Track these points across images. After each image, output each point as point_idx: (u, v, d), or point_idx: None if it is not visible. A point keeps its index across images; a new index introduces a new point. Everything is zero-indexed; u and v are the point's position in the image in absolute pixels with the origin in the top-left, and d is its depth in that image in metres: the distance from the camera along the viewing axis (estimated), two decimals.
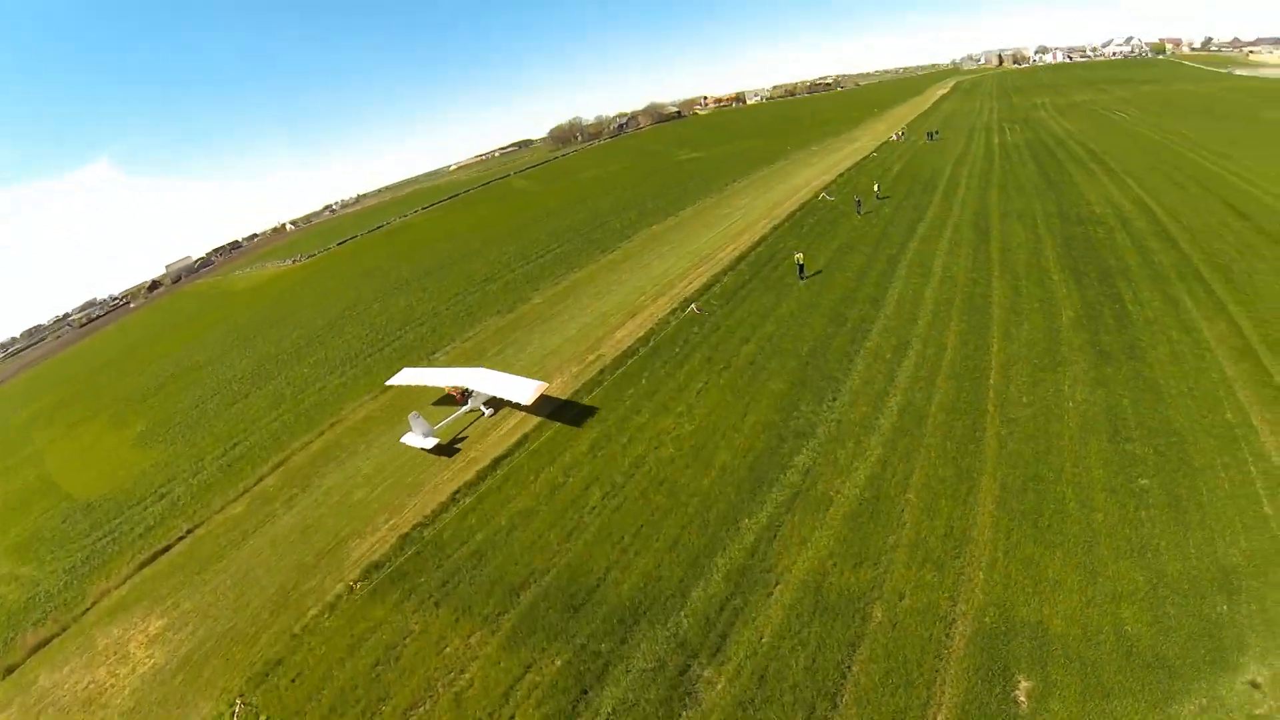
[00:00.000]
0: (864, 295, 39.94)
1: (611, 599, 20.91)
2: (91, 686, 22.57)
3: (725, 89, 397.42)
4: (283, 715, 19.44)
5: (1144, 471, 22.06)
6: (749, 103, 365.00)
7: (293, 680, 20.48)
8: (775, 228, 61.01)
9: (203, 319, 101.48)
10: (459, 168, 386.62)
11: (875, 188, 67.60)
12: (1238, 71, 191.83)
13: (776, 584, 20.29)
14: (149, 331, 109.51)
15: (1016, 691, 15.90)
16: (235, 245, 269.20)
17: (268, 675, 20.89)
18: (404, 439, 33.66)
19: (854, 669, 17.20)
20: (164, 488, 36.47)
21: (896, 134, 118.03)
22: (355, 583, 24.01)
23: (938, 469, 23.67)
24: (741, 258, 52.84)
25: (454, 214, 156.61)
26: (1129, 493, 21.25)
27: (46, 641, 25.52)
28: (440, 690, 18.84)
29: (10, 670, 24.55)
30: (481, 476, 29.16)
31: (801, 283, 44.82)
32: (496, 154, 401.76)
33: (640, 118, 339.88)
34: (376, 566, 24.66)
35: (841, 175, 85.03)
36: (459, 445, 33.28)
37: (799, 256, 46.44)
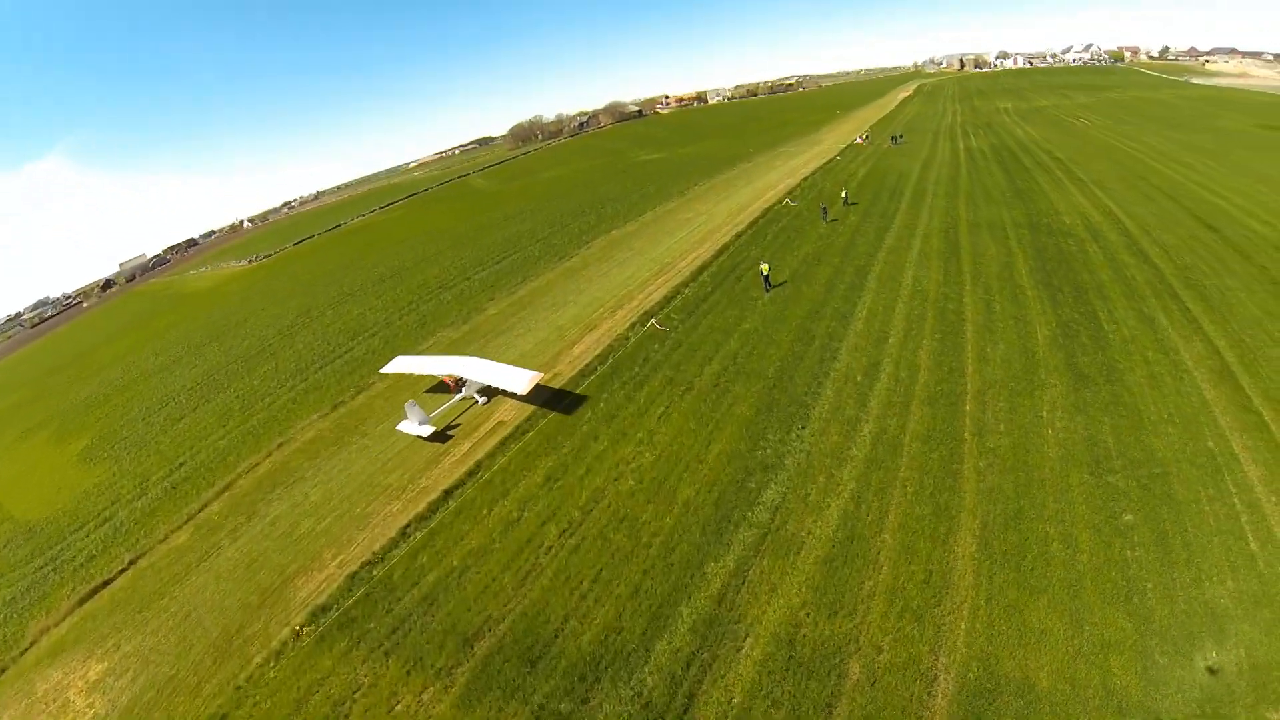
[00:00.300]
0: (832, 310, 39.06)
1: (571, 652, 19.53)
2: None
3: (687, 88, 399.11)
4: None
5: (1128, 506, 21.46)
6: (711, 102, 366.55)
7: None
8: (738, 235, 60.06)
9: (155, 322, 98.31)
10: (419, 165, 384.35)
11: (844, 194, 67.22)
12: (1194, 80, 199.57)
13: (746, 636, 19.07)
14: (100, 335, 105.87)
15: None
16: (191, 243, 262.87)
17: None
18: (400, 426, 34.47)
19: None
20: (107, 511, 34.81)
21: (861, 137, 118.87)
22: (301, 627, 22.60)
23: (914, 506, 22.69)
24: (704, 267, 51.71)
25: (412, 214, 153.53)
26: (1113, 530, 20.60)
27: None
28: None
29: None
30: (433, 509, 27.52)
31: (767, 295, 43.93)
32: (457, 151, 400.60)
33: (601, 116, 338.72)
34: (324, 609, 23.12)
35: (806, 179, 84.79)
36: (451, 432, 34.04)
37: (765, 267, 45.52)
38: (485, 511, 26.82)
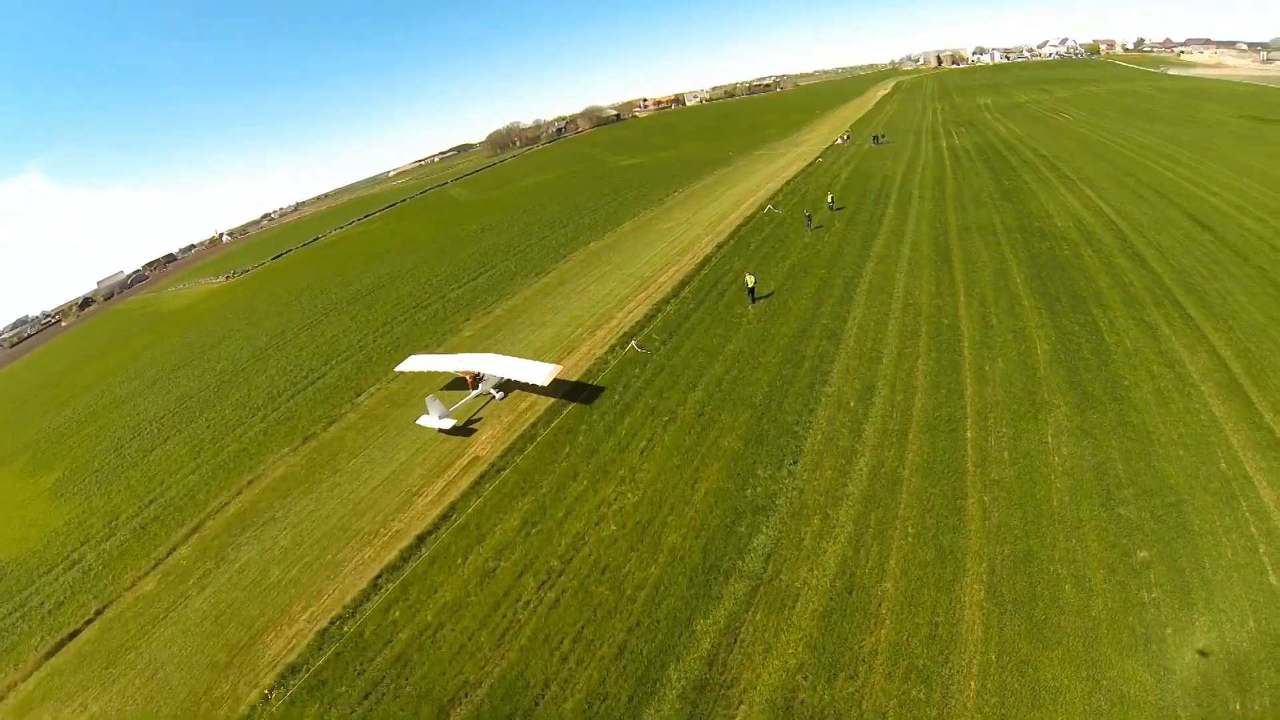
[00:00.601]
0: (821, 327, 37.51)
1: None
2: None
3: (664, 90, 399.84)
4: None
5: (1142, 541, 20.15)
6: (688, 104, 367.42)
7: None
8: (720, 246, 58.58)
9: (131, 344, 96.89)
10: (399, 174, 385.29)
11: (829, 198, 65.79)
12: (1170, 71, 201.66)
13: (740, 703, 17.54)
14: (77, 356, 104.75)
15: None
16: (170, 258, 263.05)
17: None
18: (420, 420, 36.19)
19: None
20: (76, 553, 33.55)
21: (841, 138, 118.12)
22: (270, 690, 21.32)
23: (917, 549, 21.21)
24: (685, 282, 50.16)
25: (389, 226, 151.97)
26: (1128, 569, 19.28)
27: None
28: None
29: None
30: (405, 557, 25.92)
31: (752, 307, 42.62)
32: (436, 159, 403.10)
33: (579, 121, 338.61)
34: (293, 670, 21.71)
35: (788, 183, 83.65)
36: (474, 426, 35.37)
37: (750, 279, 44.11)
38: (460, 560, 25.18)
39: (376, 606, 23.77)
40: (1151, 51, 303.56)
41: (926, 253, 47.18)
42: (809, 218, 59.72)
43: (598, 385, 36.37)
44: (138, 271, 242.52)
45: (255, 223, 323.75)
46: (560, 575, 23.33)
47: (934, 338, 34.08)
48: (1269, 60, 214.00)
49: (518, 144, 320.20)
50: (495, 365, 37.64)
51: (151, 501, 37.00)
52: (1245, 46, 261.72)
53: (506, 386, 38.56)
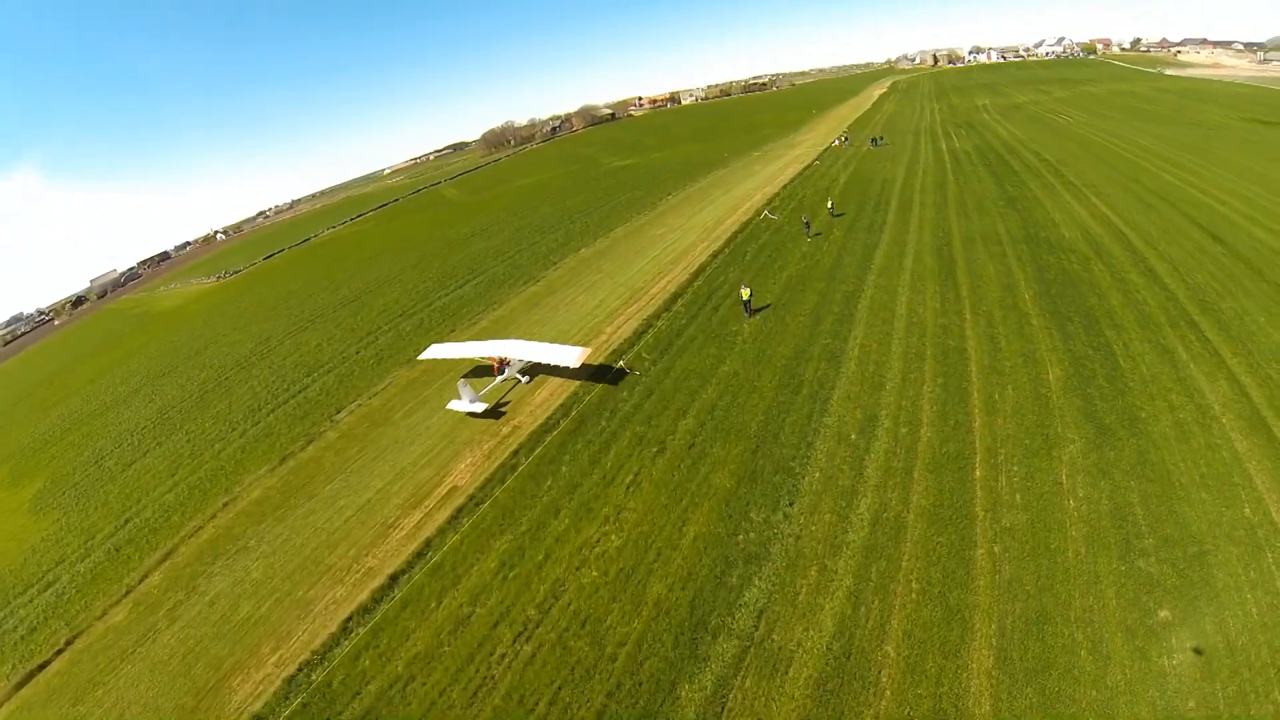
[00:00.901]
0: (820, 348, 35.47)
1: None
2: None
3: (660, 89, 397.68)
4: None
5: (1163, 598, 18.38)
6: (684, 103, 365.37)
7: None
8: (714, 255, 56.58)
9: (120, 346, 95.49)
10: (394, 172, 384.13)
11: (829, 204, 63.84)
12: (1168, 71, 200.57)
13: None
14: (66, 358, 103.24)
15: None
16: (164, 256, 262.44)
17: None
18: (450, 405, 37.33)
19: None
20: (51, 574, 32.42)
21: (839, 139, 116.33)
22: None
23: (921, 608, 19.34)
24: (678, 294, 48.17)
25: (381, 227, 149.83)
26: (1148, 632, 17.52)
27: None
28: None
29: None
30: (377, 598, 24.12)
31: (748, 321, 40.89)
32: (431, 158, 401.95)
33: (574, 120, 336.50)
34: None
35: (784, 188, 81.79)
36: (503, 409, 36.52)
37: (745, 291, 42.26)
38: (434, 604, 23.35)
39: (346, 653, 22.08)
40: (1148, 51, 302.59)
41: (930, 265, 45.28)
42: (807, 225, 57.82)
43: (584, 410, 34.40)
44: (131, 269, 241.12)
45: (250, 220, 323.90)
46: (538, 626, 21.47)
47: (939, 361, 32.13)
48: (1266, 61, 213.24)
49: (512, 143, 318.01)
50: (521, 350, 38.97)
51: (127, 521, 35.66)
52: (1241, 47, 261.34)
53: (532, 370, 39.80)
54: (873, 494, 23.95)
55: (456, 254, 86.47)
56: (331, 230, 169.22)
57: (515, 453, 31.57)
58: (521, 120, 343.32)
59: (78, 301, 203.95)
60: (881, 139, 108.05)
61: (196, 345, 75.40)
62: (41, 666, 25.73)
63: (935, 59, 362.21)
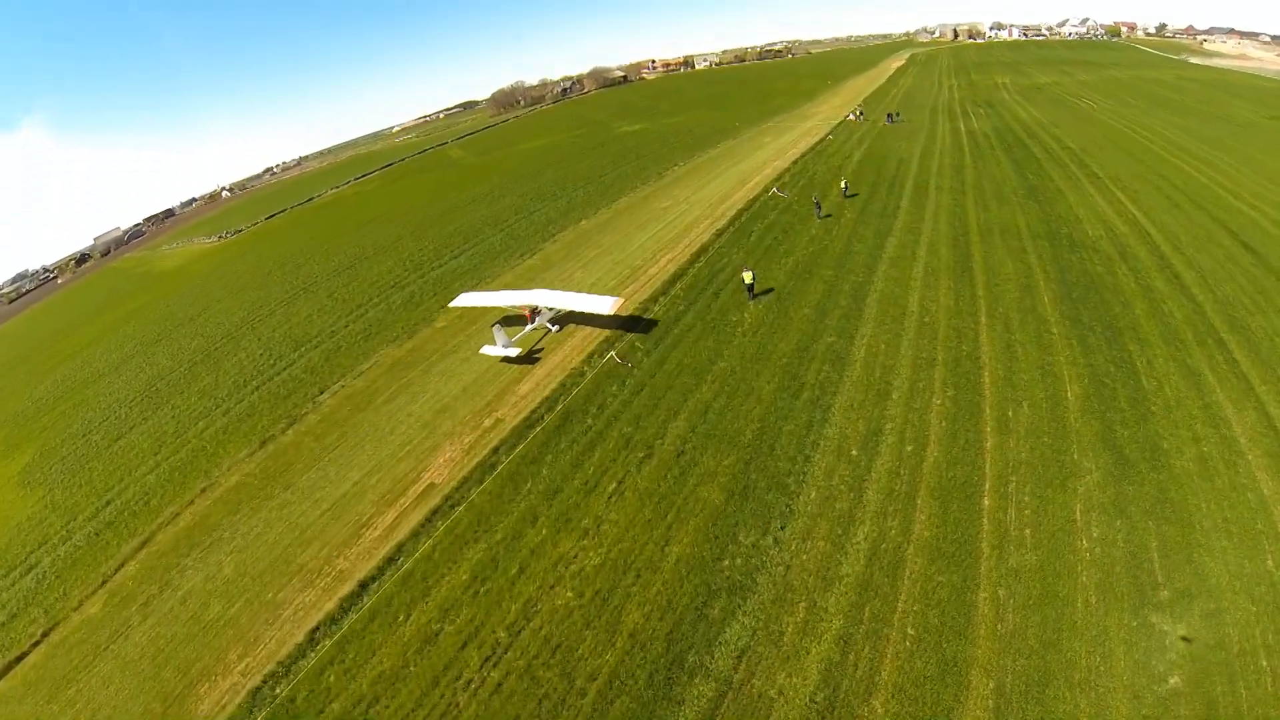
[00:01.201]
0: (824, 346, 33.16)
1: None
2: None
3: (674, 52, 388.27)
4: None
5: (1177, 663, 16.60)
6: (698, 68, 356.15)
7: None
8: (718, 234, 53.85)
9: (119, 307, 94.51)
10: (403, 130, 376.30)
11: (843, 184, 60.40)
12: (1192, 59, 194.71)
13: None
14: (66, 319, 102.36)
15: None
16: (169, 214, 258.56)
17: None
18: (484, 349, 38.64)
19: None
20: (33, 556, 31.77)
21: (854, 113, 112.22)
22: None
23: (915, 658, 17.55)
24: (677, 276, 45.65)
25: (384, 188, 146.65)
26: (1157, 700, 15.84)
27: None
28: None
29: None
30: (345, 607, 22.69)
31: (751, 305, 39.00)
32: (440, 116, 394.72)
33: (585, 81, 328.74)
34: None
35: (795, 163, 78.44)
36: (537, 356, 37.90)
37: (748, 275, 40.14)
38: (402, 618, 21.82)
39: (312, 666, 20.79)
40: (1174, 37, 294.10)
41: (945, 257, 42.72)
42: (818, 206, 55.11)
43: (570, 405, 32.30)
44: (136, 226, 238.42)
45: (257, 177, 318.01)
46: (507, 651, 19.84)
47: (951, 369, 29.88)
48: None
49: (522, 103, 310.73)
50: (553, 299, 40.50)
51: (109, 503, 34.62)
52: (1269, 39, 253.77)
53: (563, 320, 40.90)
54: (871, 521, 22.03)
55: (455, 221, 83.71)
56: (335, 190, 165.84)
57: (496, 449, 29.63)
58: (532, 80, 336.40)
59: (81, 259, 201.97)
60: (898, 115, 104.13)
61: (191, 311, 73.74)
62: (19, 658, 25.14)
63: (955, 33, 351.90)
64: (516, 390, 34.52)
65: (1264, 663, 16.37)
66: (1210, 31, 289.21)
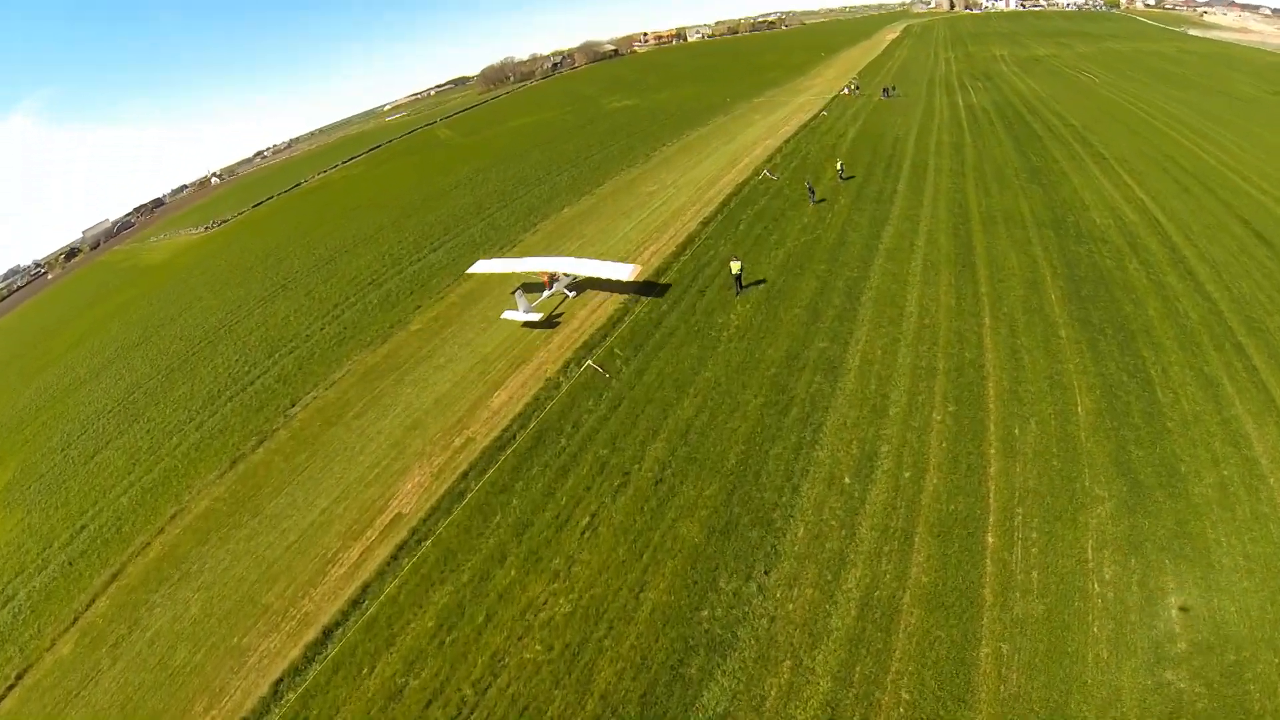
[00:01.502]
0: (816, 353, 30.76)
1: None
2: None
3: (666, 24, 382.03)
4: None
5: None
6: (690, 40, 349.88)
7: None
8: (705, 222, 51.17)
9: (104, 304, 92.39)
10: (394, 108, 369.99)
11: (839, 165, 57.44)
12: (1192, 32, 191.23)
13: None
14: (53, 317, 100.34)
15: None
16: (158, 203, 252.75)
17: None
18: (506, 314, 39.88)
19: None
20: (10, 587, 30.32)
21: (848, 87, 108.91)
22: None
23: None
24: (660, 271, 43.10)
25: (371, 171, 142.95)
26: None
27: None
28: None
29: None
30: (309, 656, 21.00)
31: (739, 299, 37.20)
32: (431, 93, 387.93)
33: (576, 56, 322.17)
34: None
35: (787, 141, 75.46)
36: (557, 320, 39.29)
37: (735, 266, 38.13)
38: (366, 670, 20.01)
39: None
40: (1174, 9, 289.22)
41: (945, 248, 40.24)
42: (811, 191, 52.47)
43: (544, 421, 30.06)
44: (125, 218, 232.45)
45: (247, 161, 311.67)
46: (473, 711, 18.03)
47: (953, 380, 27.60)
48: None
49: (512, 79, 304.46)
50: (573, 266, 41.88)
51: (83, 528, 33.09)
52: (1270, 11, 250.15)
53: (580, 286, 41.96)
54: (864, 564, 20.01)
55: (437, 208, 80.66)
56: (322, 175, 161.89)
57: (465, 474, 27.47)
58: (522, 56, 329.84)
59: (71, 253, 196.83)
60: (894, 89, 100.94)
61: (172, 310, 71.31)
62: None
63: (952, 3, 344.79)
64: (489, 404, 32.27)
65: None
66: (1210, 3, 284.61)
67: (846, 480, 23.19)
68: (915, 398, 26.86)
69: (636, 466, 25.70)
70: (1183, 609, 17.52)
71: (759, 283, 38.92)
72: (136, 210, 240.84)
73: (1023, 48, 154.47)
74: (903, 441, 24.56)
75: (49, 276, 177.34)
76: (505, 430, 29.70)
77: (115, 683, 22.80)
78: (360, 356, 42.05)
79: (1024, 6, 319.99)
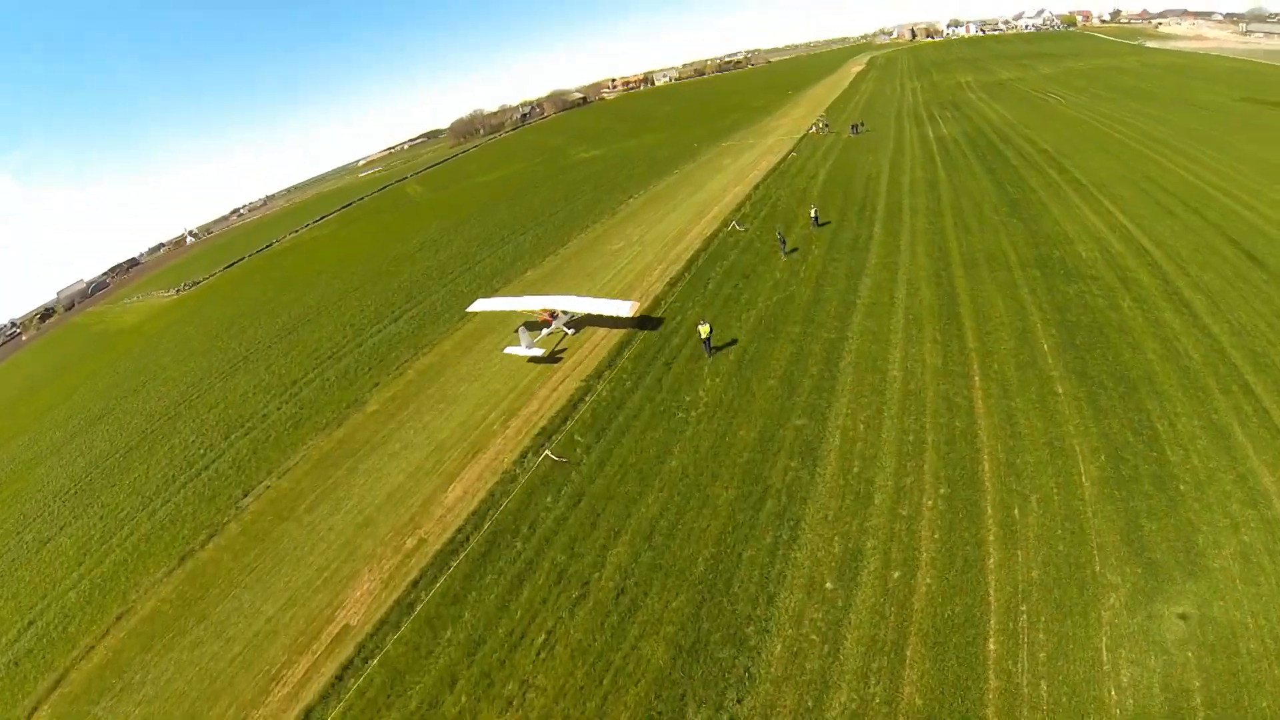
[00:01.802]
0: (792, 433, 28.76)
1: None
2: None
3: (635, 69, 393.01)
4: None
5: None
6: (658, 84, 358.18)
7: None
8: (672, 283, 49.87)
9: (74, 371, 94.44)
10: (368, 163, 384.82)
11: (812, 211, 56.66)
12: (1150, 44, 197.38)
13: None
14: (24, 383, 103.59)
15: None
16: (133, 263, 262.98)
17: None
18: (508, 349, 42.55)
19: None
20: None
21: (816, 125, 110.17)
22: None
23: None
24: (624, 343, 41.36)
25: (340, 232, 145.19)
26: None
27: None
28: None
29: None
30: None
31: (710, 362, 36.11)
32: (405, 147, 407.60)
33: (545, 105, 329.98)
34: None
35: (756, 187, 75.33)
36: (560, 356, 41.25)
37: (704, 329, 36.87)
38: None
39: None
40: (1129, 23, 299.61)
41: (927, 299, 38.69)
42: (783, 241, 51.40)
43: (499, 521, 28.00)
44: (99, 279, 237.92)
45: (223, 219, 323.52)
46: None
47: (943, 456, 25.54)
48: (1249, 32, 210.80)
49: (481, 132, 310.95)
50: (572, 304, 43.99)
51: (31, 623, 32.28)
52: (1221, 17, 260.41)
53: (580, 323, 43.90)
54: (850, 685, 17.80)
55: (400, 274, 79.83)
56: (293, 235, 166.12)
57: (415, 582, 25.46)
58: (491, 107, 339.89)
59: (45, 314, 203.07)
60: (863, 125, 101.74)
61: (135, 383, 71.01)
62: None
63: (913, 33, 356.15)
64: (443, 500, 30.25)
65: None
66: (1164, 14, 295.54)
67: (828, 585, 21.01)
68: (903, 480, 24.73)
69: (596, 575, 23.53)
70: (1213, 714, 15.51)
71: (731, 344, 37.53)
72: (112, 270, 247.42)
73: (987, 73, 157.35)
74: (890, 535, 22.40)
75: (23, 337, 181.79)
76: (459, 531, 27.69)
77: None
78: (315, 441, 40.38)
79: (983, 32, 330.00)
